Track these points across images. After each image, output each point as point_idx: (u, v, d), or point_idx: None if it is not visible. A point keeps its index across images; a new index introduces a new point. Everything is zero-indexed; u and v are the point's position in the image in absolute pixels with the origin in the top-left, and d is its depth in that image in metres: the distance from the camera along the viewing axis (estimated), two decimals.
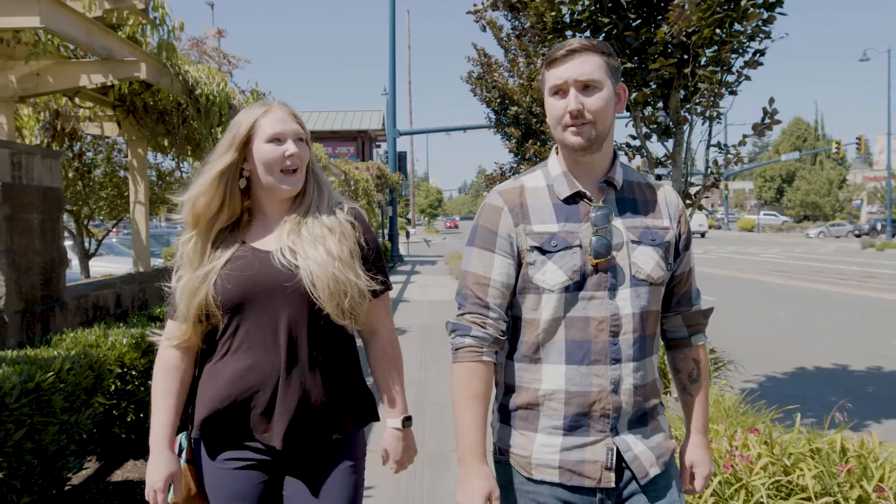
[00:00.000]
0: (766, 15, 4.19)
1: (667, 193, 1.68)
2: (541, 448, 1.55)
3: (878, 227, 42.75)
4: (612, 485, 1.53)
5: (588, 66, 1.52)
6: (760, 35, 4.32)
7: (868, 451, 2.57)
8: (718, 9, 4.03)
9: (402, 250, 27.70)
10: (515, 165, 10.70)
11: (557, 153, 1.64)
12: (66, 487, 3.49)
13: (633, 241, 1.57)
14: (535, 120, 10.35)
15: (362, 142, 31.07)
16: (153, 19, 4.93)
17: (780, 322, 10.41)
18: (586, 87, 1.52)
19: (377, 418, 1.84)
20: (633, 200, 1.62)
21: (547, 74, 1.56)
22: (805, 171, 59.78)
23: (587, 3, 4.08)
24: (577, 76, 1.51)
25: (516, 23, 4.77)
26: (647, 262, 1.57)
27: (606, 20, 3.98)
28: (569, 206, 1.58)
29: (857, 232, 44.74)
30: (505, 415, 1.62)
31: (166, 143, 6.82)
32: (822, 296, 13.77)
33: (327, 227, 1.72)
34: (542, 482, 1.55)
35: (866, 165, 57.97)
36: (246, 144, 1.71)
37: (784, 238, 44.54)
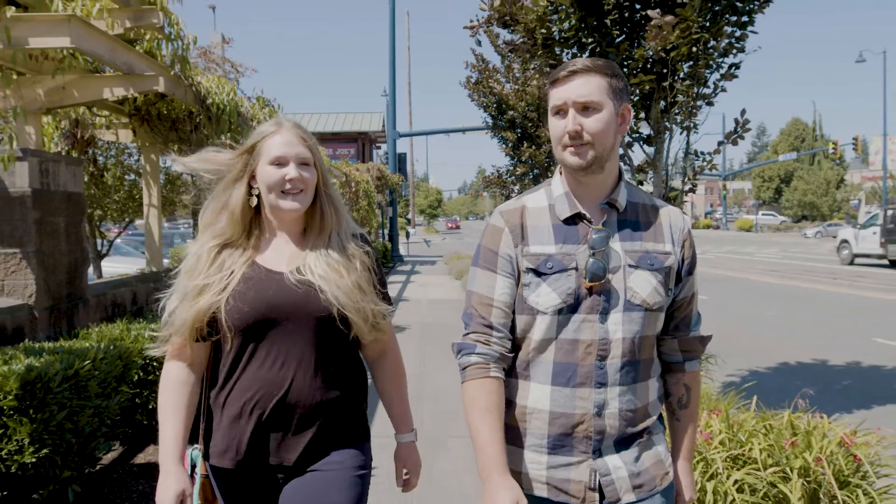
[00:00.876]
0: (738, 33, 4.52)
1: (672, 216, 1.65)
2: (529, 464, 1.58)
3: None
4: None
5: (588, 87, 1.51)
6: (734, 50, 4.65)
7: (812, 427, 2.91)
8: (696, 27, 4.36)
9: (402, 250, 28.01)
10: (511, 168, 11.04)
11: (561, 173, 1.64)
12: (98, 467, 3.82)
13: (631, 266, 1.56)
14: (529, 124, 10.69)
15: (363, 143, 31.40)
16: (168, 34, 5.27)
17: (768, 320, 10.73)
18: (585, 109, 1.52)
19: (368, 437, 1.85)
20: (636, 223, 1.61)
21: (550, 94, 1.58)
22: (803, 172, 60.12)
23: (573, 21, 4.41)
24: (576, 98, 1.51)
25: (509, 38, 5.10)
26: (643, 286, 1.56)
27: (590, 40, 4.32)
28: (568, 227, 1.58)
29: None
30: None
31: (175, 149, 7.16)
32: (812, 294, 14.10)
33: (349, 255, 1.75)
34: (532, 496, 1.57)
35: (864, 166, 58.26)
36: (249, 163, 1.73)
37: (781, 238, 44.80)
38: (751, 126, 4.54)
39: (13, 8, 4.21)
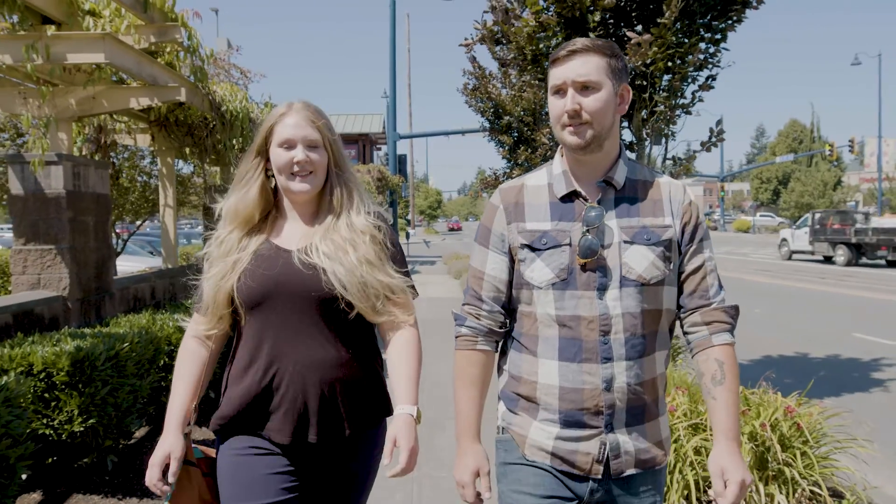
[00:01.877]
0: (712, 49, 4.94)
1: (672, 190, 1.64)
2: (538, 431, 1.60)
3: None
4: (600, 476, 1.57)
5: (587, 66, 1.52)
6: (709, 64, 5.07)
7: (763, 400, 3.33)
8: (672, 43, 4.78)
9: (403, 250, 28.38)
10: (508, 171, 11.45)
11: (562, 153, 1.66)
12: (131, 440, 4.25)
13: (626, 241, 1.56)
14: (525, 128, 11.10)
15: (363, 144, 31.82)
16: (187, 46, 5.69)
17: (755, 317, 11.14)
18: (585, 88, 1.52)
19: (390, 412, 1.84)
20: (634, 199, 1.61)
21: (550, 74, 1.58)
22: (800, 174, 60.52)
23: (560, 39, 4.82)
24: (575, 77, 1.52)
25: (501, 53, 5.52)
26: (639, 262, 1.56)
27: None
28: (565, 204, 1.60)
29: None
30: (508, 400, 1.68)
31: (187, 152, 7.59)
32: (800, 293, 14.53)
33: (358, 231, 1.76)
34: (534, 465, 1.60)
35: (862, 167, 58.66)
36: (266, 147, 1.76)
37: (778, 239, 45.27)
38: (725, 136, 4.97)
39: (53, 27, 4.63)
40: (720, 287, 1.65)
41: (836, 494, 3.23)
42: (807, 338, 9.15)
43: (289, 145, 1.71)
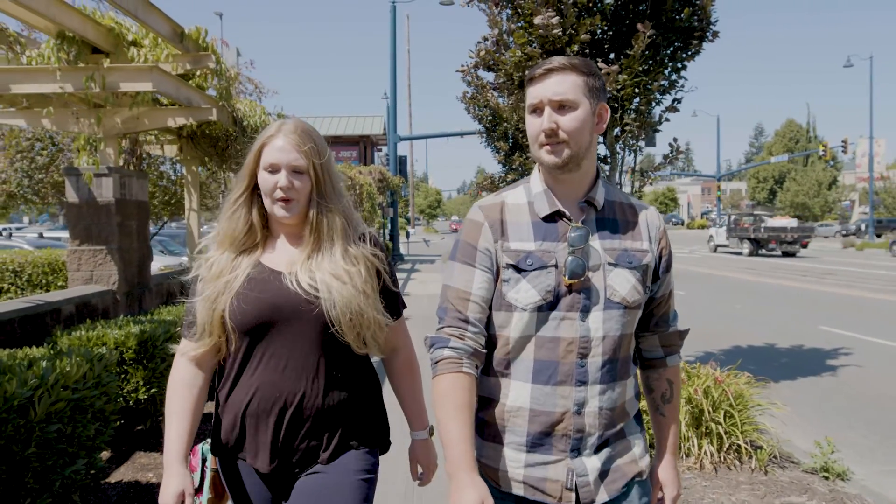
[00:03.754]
0: (674, 76, 5.70)
1: (648, 215, 1.65)
2: (508, 462, 1.57)
3: (863, 227, 44.41)
4: None
5: (563, 85, 1.50)
6: (673, 89, 5.83)
7: (697, 372, 4.10)
8: (639, 72, 5.54)
9: (403, 250, 29.15)
10: (504, 175, 12.21)
11: (540, 170, 1.62)
12: None
13: (610, 264, 1.55)
14: (521, 136, 11.85)
15: (364, 146, 32.53)
16: (215, 70, 6.45)
17: (733, 312, 11.92)
18: (561, 107, 1.50)
19: (387, 447, 1.84)
20: (614, 221, 1.60)
21: (527, 92, 1.56)
22: (796, 173, 61.27)
23: None
24: (552, 96, 1.49)
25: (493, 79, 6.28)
26: (622, 285, 1.55)
27: None
28: (548, 224, 1.56)
29: (844, 232, 46.37)
30: (478, 426, 1.62)
31: (206, 160, 8.36)
32: (779, 290, 15.33)
33: (352, 259, 1.72)
34: (509, 494, 1.57)
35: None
36: (255, 169, 1.72)
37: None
38: (682, 151, 5.72)
39: (103, 56, 5.39)
40: (676, 312, 1.74)
41: (755, 446, 4.00)
42: (777, 330, 9.91)
43: (273, 169, 1.69)
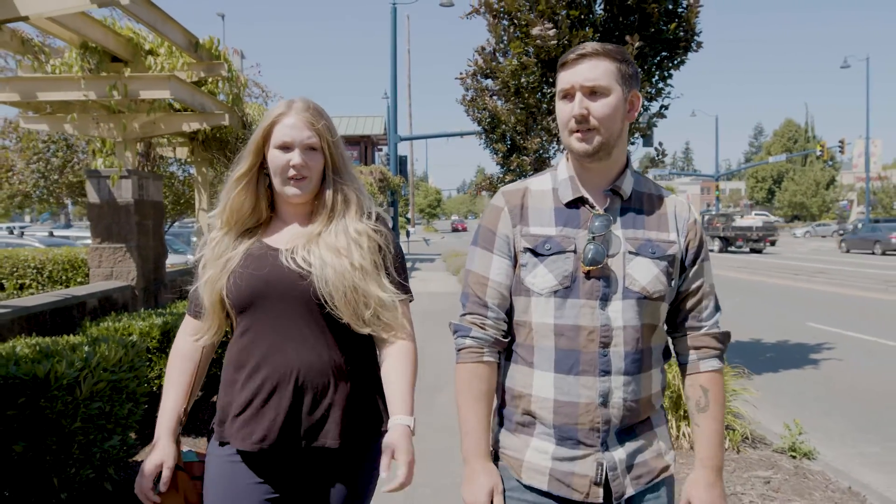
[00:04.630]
0: (661, 84, 6.04)
1: (678, 206, 1.62)
2: (534, 452, 1.54)
3: (860, 226, 44.83)
4: (600, 500, 1.51)
5: (596, 71, 1.48)
6: (660, 96, 6.17)
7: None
8: None
9: (403, 249, 29.38)
10: (502, 176, 12.55)
11: (568, 158, 1.61)
12: (199, 396, 5.35)
13: (631, 252, 1.52)
14: (518, 137, 12.20)
15: (365, 146, 32.87)
16: (227, 77, 6.80)
17: (723, 308, 12.24)
18: (593, 93, 1.48)
19: (382, 435, 1.73)
20: (640, 211, 1.57)
21: (558, 78, 1.54)
22: (794, 173, 61.62)
23: (537, 75, 5.92)
24: (584, 81, 1.48)
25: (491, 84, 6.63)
26: (643, 274, 1.52)
27: (549, 88, 5.85)
28: (570, 210, 1.55)
29: (840, 231, 46.77)
30: (502, 417, 1.62)
31: (215, 162, 8.72)
32: (771, 287, 15.70)
33: (353, 236, 1.69)
34: (531, 488, 1.54)
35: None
36: (263, 148, 1.70)
37: None
38: (667, 155, 6.06)
39: (127, 67, 5.74)
40: (716, 309, 1.63)
41: (728, 427, 4.35)
42: (765, 326, 10.24)
43: (286, 147, 1.67)
